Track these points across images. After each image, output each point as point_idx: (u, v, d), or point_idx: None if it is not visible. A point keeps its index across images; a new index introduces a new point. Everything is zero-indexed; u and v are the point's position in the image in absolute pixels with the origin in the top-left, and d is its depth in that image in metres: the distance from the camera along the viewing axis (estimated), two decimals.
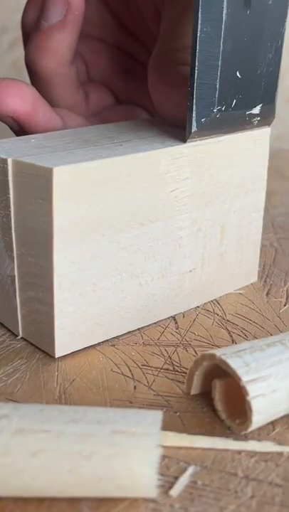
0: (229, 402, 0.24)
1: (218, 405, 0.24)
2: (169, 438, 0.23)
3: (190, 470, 0.22)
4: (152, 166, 0.28)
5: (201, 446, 0.23)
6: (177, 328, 0.31)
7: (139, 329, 0.31)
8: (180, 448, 0.23)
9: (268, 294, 0.34)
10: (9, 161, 0.26)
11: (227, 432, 0.24)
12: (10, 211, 0.27)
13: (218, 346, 0.29)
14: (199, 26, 0.27)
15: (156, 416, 0.21)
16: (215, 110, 0.28)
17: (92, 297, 0.28)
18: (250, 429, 0.23)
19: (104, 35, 0.38)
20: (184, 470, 0.22)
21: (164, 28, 0.32)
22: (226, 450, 0.23)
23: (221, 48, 0.27)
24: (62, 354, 0.28)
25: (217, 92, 0.28)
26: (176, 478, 0.21)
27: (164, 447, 0.22)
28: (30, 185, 0.26)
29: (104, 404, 0.25)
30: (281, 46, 0.30)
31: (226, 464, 0.22)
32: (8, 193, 0.27)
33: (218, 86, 0.28)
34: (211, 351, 0.24)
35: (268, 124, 0.32)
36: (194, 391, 0.25)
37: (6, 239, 0.28)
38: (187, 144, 0.29)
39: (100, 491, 0.20)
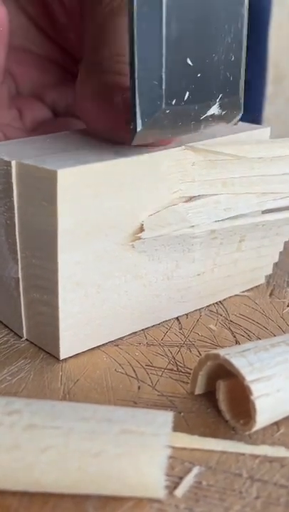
0: (233, 403, 0.24)
1: (223, 406, 0.24)
2: (180, 439, 0.23)
3: (195, 470, 0.22)
4: (154, 167, 0.28)
5: (211, 449, 0.23)
6: (181, 329, 0.31)
7: (142, 329, 0.31)
8: (185, 448, 0.23)
9: (271, 294, 0.35)
10: (13, 164, 0.26)
11: (231, 433, 0.24)
12: (14, 213, 0.27)
13: (222, 347, 0.29)
14: (135, 7, 0.22)
15: (167, 417, 0.21)
16: (163, 105, 0.24)
17: (96, 299, 0.28)
18: (254, 429, 0.23)
19: (29, 45, 0.36)
20: (189, 470, 0.22)
21: (89, 37, 0.30)
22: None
23: (164, 31, 0.23)
24: (67, 356, 0.28)
25: (164, 84, 0.24)
26: (181, 478, 0.22)
27: (173, 448, 0.22)
28: (34, 187, 0.26)
29: (108, 404, 0.25)
30: (242, 29, 0.27)
31: (230, 465, 0.22)
32: (12, 196, 0.27)
33: (164, 77, 0.24)
34: (215, 351, 0.24)
35: (233, 120, 0.29)
36: (198, 391, 0.26)
37: (9, 241, 0.28)
38: (190, 145, 0.29)
39: (108, 490, 0.20)
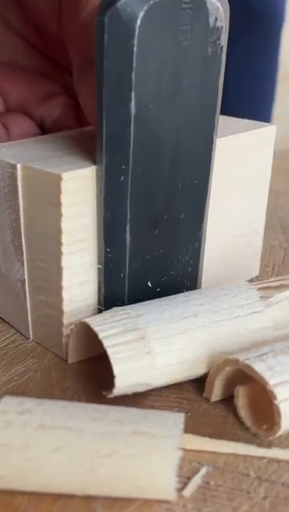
0: (252, 409, 0.24)
1: (242, 412, 0.24)
2: (191, 441, 0.23)
3: (203, 470, 0.22)
4: None
5: (223, 451, 0.23)
6: None
7: None
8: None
9: None
10: (18, 167, 0.26)
11: (239, 433, 0.24)
12: (19, 216, 0.27)
13: None
14: (104, 255, 0.26)
15: (178, 418, 0.21)
16: None
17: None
18: (278, 434, 0.23)
19: (17, 59, 0.35)
20: (197, 470, 0.22)
21: (74, 39, 0.29)
22: None
23: (127, 269, 0.27)
24: (74, 360, 0.28)
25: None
26: (189, 478, 0.22)
27: (185, 450, 0.22)
28: (39, 190, 0.26)
29: (116, 404, 0.25)
30: (199, 247, 0.29)
31: (238, 465, 0.22)
32: (18, 198, 0.27)
33: (126, 300, 0.28)
34: (234, 356, 0.24)
35: None
36: (215, 398, 0.25)
37: (15, 243, 0.28)
38: None
39: (118, 491, 0.20)
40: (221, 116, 0.34)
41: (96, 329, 0.24)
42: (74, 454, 0.20)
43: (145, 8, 0.22)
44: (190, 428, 0.24)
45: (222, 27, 0.24)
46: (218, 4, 0.24)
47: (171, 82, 0.24)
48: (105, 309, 0.27)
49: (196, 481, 0.22)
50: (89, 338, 0.27)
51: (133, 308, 0.26)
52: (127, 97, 0.24)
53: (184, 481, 0.21)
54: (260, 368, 0.22)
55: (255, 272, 0.36)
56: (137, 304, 0.26)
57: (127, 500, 0.21)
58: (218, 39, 0.25)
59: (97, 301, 0.28)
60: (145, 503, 0.21)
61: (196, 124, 0.26)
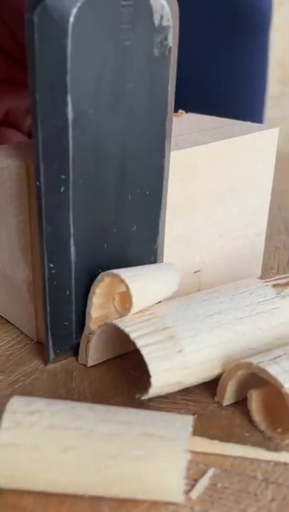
0: (266, 412, 0.24)
1: (256, 416, 0.24)
2: (200, 443, 0.23)
3: (209, 473, 0.22)
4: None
5: (231, 454, 0.23)
6: None
7: None
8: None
9: None
10: (25, 167, 0.26)
11: (245, 435, 0.24)
12: (26, 216, 0.27)
13: None
14: (47, 270, 0.25)
15: (186, 421, 0.21)
16: (74, 339, 0.27)
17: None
18: None
19: (3, 75, 0.35)
20: (204, 472, 0.22)
21: None
22: None
23: (74, 286, 0.26)
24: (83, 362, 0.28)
25: (74, 325, 0.27)
26: (196, 480, 0.22)
27: (192, 452, 0.22)
28: None
29: (122, 405, 0.25)
30: (156, 261, 0.28)
31: (245, 467, 0.22)
32: (24, 198, 0.27)
33: (74, 319, 0.27)
34: (247, 360, 0.23)
35: None
36: (227, 401, 0.25)
37: (22, 244, 0.28)
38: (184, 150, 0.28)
39: (126, 492, 0.20)
40: (223, 118, 0.34)
41: (126, 330, 0.24)
42: (82, 455, 0.20)
43: (78, 4, 0.20)
44: (197, 430, 0.24)
45: (169, 26, 0.23)
46: (163, 2, 0.22)
47: (112, 85, 0.23)
48: (51, 333, 0.26)
49: (204, 483, 0.22)
50: (109, 341, 0.27)
51: (157, 308, 0.26)
52: (62, 102, 0.22)
53: (191, 483, 0.21)
54: (274, 370, 0.22)
55: (257, 274, 0.36)
56: (158, 304, 0.26)
57: (135, 502, 0.21)
58: (166, 39, 0.23)
59: (43, 322, 0.26)
60: (152, 504, 0.21)
61: (144, 130, 0.24)
